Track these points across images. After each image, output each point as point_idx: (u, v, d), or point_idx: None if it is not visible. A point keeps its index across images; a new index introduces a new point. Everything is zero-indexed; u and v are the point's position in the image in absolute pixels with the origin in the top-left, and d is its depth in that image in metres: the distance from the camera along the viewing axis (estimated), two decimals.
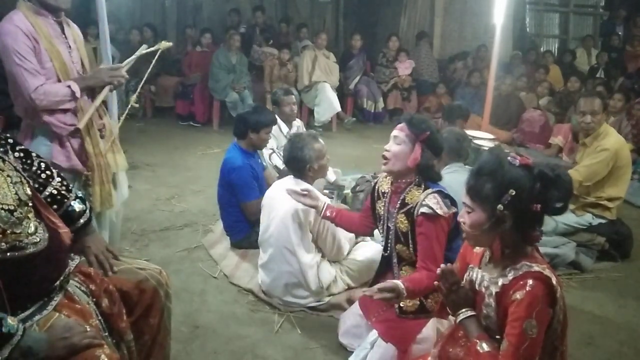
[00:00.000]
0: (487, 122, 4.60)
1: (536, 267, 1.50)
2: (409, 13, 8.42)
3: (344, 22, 9.25)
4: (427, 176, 2.21)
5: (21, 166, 1.66)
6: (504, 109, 6.49)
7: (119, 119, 2.91)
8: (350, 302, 2.73)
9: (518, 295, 1.46)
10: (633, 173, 4.86)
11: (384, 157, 2.22)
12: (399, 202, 2.23)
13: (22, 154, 1.68)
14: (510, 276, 1.52)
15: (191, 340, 2.53)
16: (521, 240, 1.55)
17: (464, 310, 1.61)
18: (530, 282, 1.47)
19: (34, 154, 1.75)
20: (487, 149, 3.47)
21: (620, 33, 9.14)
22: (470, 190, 1.56)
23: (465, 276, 1.71)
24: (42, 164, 1.76)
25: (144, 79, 2.89)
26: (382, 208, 2.33)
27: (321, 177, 2.93)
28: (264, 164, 3.71)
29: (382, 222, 2.35)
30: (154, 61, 2.78)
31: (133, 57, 2.67)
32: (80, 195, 1.87)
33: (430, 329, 2.18)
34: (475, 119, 5.64)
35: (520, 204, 1.48)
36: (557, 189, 1.49)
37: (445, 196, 2.15)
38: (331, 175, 3.93)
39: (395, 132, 2.23)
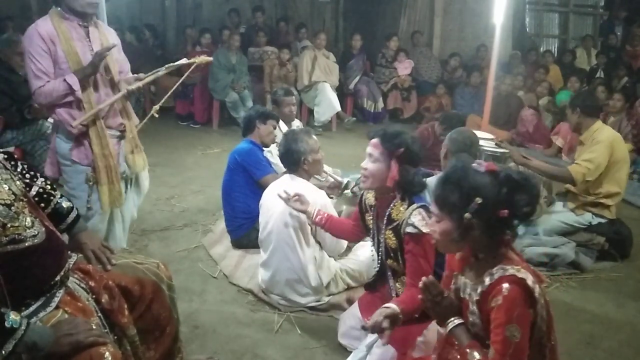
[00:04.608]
0: (486, 122, 4.60)
1: (510, 270, 1.48)
2: (409, 13, 8.41)
3: (343, 22, 9.26)
4: (409, 190, 2.15)
5: (9, 166, 1.70)
6: (503, 108, 6.49)
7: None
8: (350, 302, 2.73)
9: (496, 302, 1.45)
10: (633, 173, 4.88)
11: (363, 175, 2.20)
12: (385, 218, 2.20)
13: (5, 156, 1.71)
14: (487, 282, 1.51)
15: (191, 340, 2.53)
16: (493, 244, 1.53)
17: (452, 319, 1.60)
18: (505, 286, 1.45)
19: (15, 156, 1.79)
20: (488, 149, 3.47)
21: (618, 33, 9.13)
22: (437, 199, 1.55)
23: (451, 284, 1.70)
24: (24, 165, 1.80)
25: (171, 91, 3.03)
26: (371, 221, 2.33)
27: (316, 174, 2.95)
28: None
29: (373, 235, 2.34)
30: (187, 73, 2.98)
31: (163, 68, 2.79)
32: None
33: (431, 332, 2.17)
34: (475, 118, 5.65)
35: (487, 211, 1.46)
36: (523, 193, 1.47)
37: (429, 210, 2.11)
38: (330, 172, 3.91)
39: (369, 149, 2.18)
